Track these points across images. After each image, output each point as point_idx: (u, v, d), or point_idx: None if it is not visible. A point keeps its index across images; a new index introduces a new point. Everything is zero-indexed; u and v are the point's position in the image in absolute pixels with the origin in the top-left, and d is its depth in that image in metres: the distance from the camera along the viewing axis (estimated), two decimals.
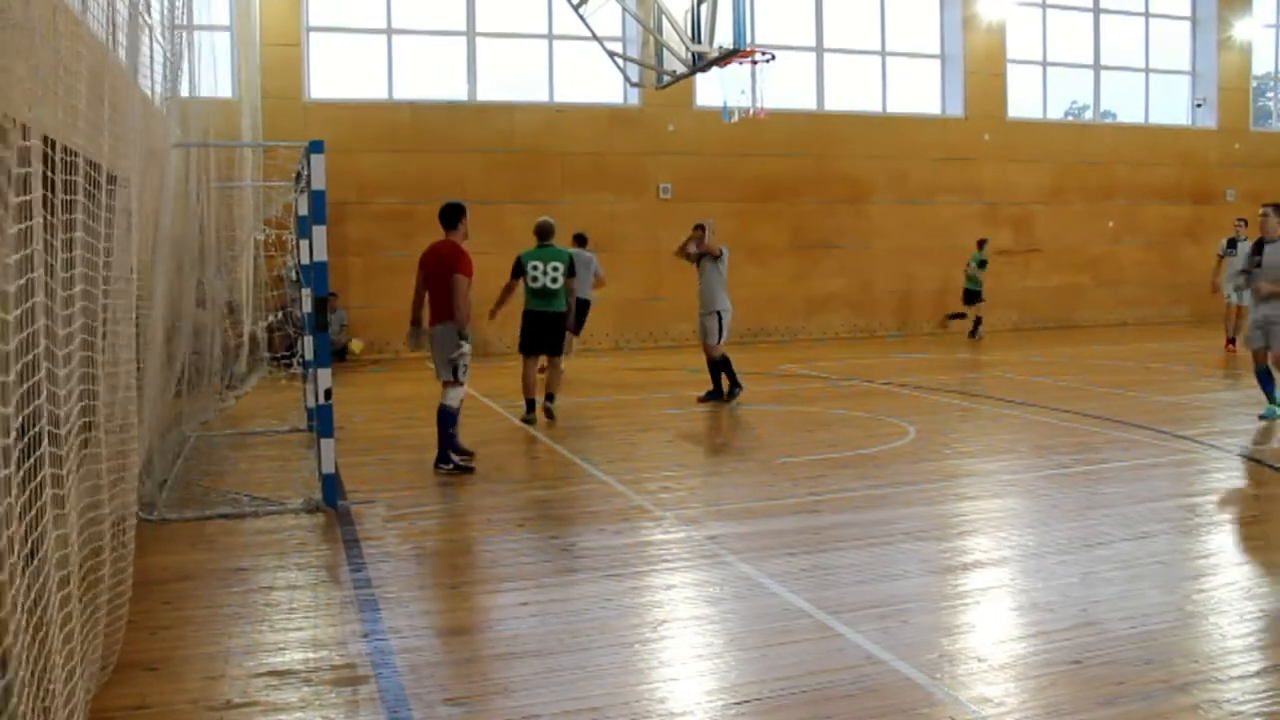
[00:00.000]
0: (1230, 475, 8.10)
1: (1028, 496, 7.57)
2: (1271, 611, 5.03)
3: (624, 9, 16.93)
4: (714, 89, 16.40)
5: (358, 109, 17.90)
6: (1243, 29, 24.08)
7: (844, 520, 6.78)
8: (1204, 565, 5.94)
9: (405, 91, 18.43)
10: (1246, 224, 15.01)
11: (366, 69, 18.30)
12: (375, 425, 10.66)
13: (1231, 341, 15.63)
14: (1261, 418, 10.05)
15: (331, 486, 7.27)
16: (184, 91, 8.94)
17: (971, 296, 20.04)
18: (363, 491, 7.73)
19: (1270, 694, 4.09)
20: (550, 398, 10.83)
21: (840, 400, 12.28)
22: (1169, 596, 5.30)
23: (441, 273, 8.34)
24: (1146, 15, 23.86)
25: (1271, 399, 10.16)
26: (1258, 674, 4.29)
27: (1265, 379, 10.22)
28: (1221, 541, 6.42)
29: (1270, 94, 26.41)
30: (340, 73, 18.14)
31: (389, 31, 18.39)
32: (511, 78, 19.12)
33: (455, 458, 8.44)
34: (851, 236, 20.45)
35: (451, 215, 8.50)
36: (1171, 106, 24.46)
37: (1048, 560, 5.93)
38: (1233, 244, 15.87)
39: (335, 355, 15.11)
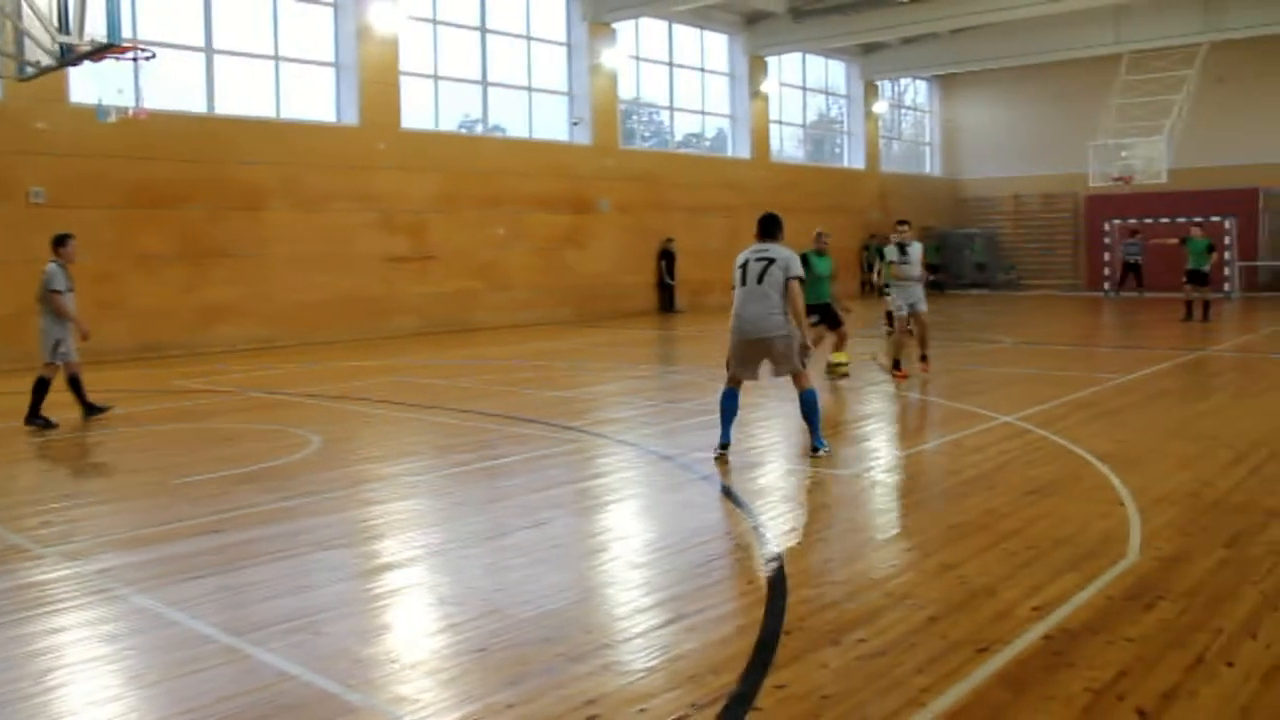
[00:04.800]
0: (613, 459, 8.87)
1: (432, 496, 7.78)
2: (651, 580, 5.59)
3: None
4: (92, 84, 15.16)
5: None
6: (609, 58, 26.57)
7: (250, 537, 6.55)
8: (595, 544, 6.47)
9: None
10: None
11: None
12: None
13: None
14: None
15: None
16: None
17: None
18: None
19: (651, 650, 4.55)
20: None
21: (242, 413, 11.87)
22: (565, 576, 5.72)
23: None
24: (528, 38, 25.54)
25: None
26: (641, 634, 4.75)
27: None
28: (609, 520, 7.02)
29: (635, 116, 29.35)
30: None
31: None
32: None
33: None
34: (247, 244, 19.78)
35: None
36: (553, 123, 26.38)
37: (453, 556, 6.15)
38: None
39: None
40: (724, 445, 8.61)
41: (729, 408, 8.62)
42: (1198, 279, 22.64)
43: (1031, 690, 4.10)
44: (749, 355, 8.55)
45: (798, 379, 8.55)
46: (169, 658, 4.61)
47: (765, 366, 8.64)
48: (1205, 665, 4.31)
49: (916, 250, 14.40)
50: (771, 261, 8.40)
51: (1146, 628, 4.72)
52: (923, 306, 14.16)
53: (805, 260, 13.69)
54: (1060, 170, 35.71)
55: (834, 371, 13.38)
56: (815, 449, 8.60)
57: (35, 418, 10.91)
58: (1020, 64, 33.55)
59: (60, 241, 11.26)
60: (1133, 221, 31.76)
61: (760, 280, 8.37)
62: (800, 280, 8.44)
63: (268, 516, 7.10)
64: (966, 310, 26.59)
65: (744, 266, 8.50)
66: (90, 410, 11.28)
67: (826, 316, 13.54)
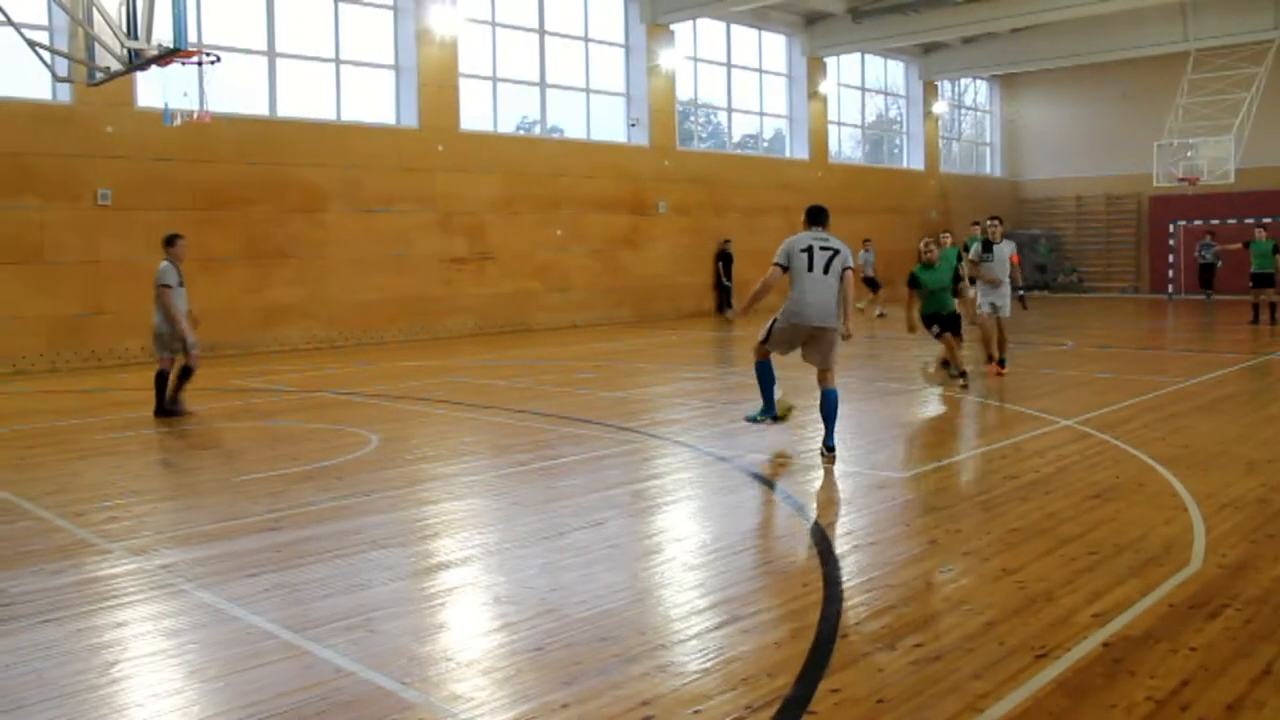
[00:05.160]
0: (670, 460, 8.87)
1: (489, 496, 7.82)
2: (707, 581, 5.58)
3: None
4: (158, 89, 15.40)
5: None
6: (667, 59, 26.57)
7: (307, 535, 6.63)
8: (650, 545, 6.46)
9: None
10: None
11: None
12: None
13: None
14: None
15: None
16: None
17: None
18: None
19: (706, 652, 4.54)
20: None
21: (300, 413, 12.01)
22: (619, 577, 5.72)
23: None
24: (586, 40, 25.61)
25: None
26: (695, 637, 4.74)
27: None
28: (665, 522, 7.02)
29: (692, 117, 29.31)
30: None
31: None
32: None
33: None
34: (307, 246, 20.03)
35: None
36: (611, 125, 26.44)
37: (510, 555, 6.17)
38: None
39: None
40: (774, 417, 9.13)
41: (767, 377, 9.06)
42: (1263, 281, 22.26)
43: (1091, 698, 4.04)
44: (799, 338, 8.78)
45: (827, 375, 8.75)
46: (230, 653, 4.67)
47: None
48: (1272, 676, 4.22)
49: (1004, 250, 13.93)
50: (836, 253, 8.66)
51: (1211, 636, 4.63)
52: (1006, 312, 13.93)
53: (915, 279, 12.90)
54: (1124, 171, 35.19)
55: (786, 416, 9.70)
56: (830, 448, 8.61)
57: (171, 405, 11.61)
58: (1083, 63, 33.08)
59: (170, 241, 11.87)
60: (1199, 223, 31.27)
61: (826, 270, 8.58)
62: (852, 269, 8.75)
63: (326, 515, 7.18)
64: (1027, 312, 26.25)
65: (808, 252, 8.62)
66: (162, 409, 11.55)
67: (949, 325, 13.04)
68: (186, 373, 11.65)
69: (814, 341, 8.71)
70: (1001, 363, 14.00)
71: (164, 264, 11.68)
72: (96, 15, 12.12)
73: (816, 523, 6.75)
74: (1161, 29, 29.69)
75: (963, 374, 12.83)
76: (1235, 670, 4.27)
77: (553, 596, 5.34)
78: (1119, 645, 4.54)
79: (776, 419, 9.12)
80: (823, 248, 8.63)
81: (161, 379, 11.62)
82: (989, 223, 14.18)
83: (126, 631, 5.01)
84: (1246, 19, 28.33)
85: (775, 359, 9.10)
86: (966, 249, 15.02)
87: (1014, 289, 14.37)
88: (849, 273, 8.64)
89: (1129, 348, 18.24)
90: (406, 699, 4.13)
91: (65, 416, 12.04)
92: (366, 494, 7.78)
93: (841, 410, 8.78)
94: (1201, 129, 30.08)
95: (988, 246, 13.92)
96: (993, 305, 13.88)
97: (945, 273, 13.05)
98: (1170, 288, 32.47)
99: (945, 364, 13.43)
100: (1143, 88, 34.15)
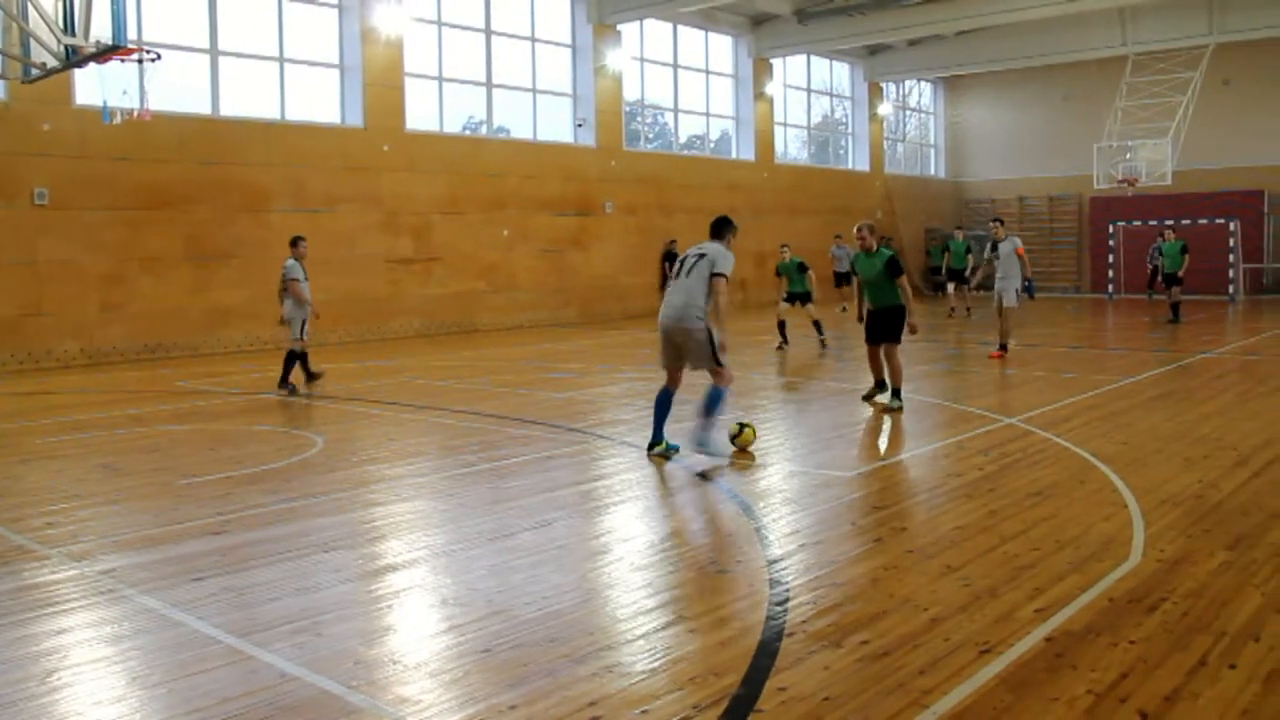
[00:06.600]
0: (617, 461, 8.88)
1: (437, 497, 7.79)
2: (654, 581, 5.60)
3: None
4: (97, 86, 15.16)
5: None
6: (614, 59, 26.57)
7: (254, 538, 6.57)
8: (597, 545, 6.47)
9: None
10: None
11: None
12: None
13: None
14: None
15: None
16: None
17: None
18: None
19: (653, 652, 4.56)
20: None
21: (247, 415, 11.89)
22: (568, 577, 5.72)
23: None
24: (533, 40, 25.55)
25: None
26: (642, 637, 4.75)
27: None
28: (612, 522, 7.02)
29: (639, 118, 29.34)
30: None
31: None
32: None
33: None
34: (251, 246, 19.77)
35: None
36: (558, 125, 26.39)
37: (458, 556, 6.16)
38: None
39: None
40: (650, 445, 8.98)
41: (659, 407, 8.97)
42: (1172, 281, 23.37)
43: (1034, 692, 4.10)
44: (667, 345, 8.85)
45: (714, 375, 8.69)
46: (173, 659, 4.62)
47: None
48: (1207, 667, 4.31)
49: (1007, 247, 15.88)
50: (702, 256, 8.72)
51: (1149, 630, 4.72)
52: (1007, 303, 15.85)
53: (855, 266, 11.69)
54: (1066, 172, 35.70)
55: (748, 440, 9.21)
56: (700, 444, 8.64)
57: (284, 384, 13.51)
58: (1026, 65, 33.54)
59: (294, 242, 13.96)
60: (1138, 224, 31.82)
61: (689, 274, 8.67)
62: (724, 277, 8.55)
63: (272, 518, 7.11)
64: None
65: (684, 261, 8.85)
66: (311, 377, 13.97)
67: (883, 328, 11.36)
68: (292, 356, 13.57)
69: (676, 346, 8.77)
70: (1003, 348, 15.91)
71: (290, 261, 13.70)
72: (32, 10, 11.89)
73: (762, 522, 6.79)
74: (1101, 33, 30.20)
75: (879, 384, 11.62)
76: (1172, 662, 4.36)
77: (500, 598, 5.34)
78: (1061, 639, 4.62)
79: (652, 448, 8.94)
80: (694, 254, 8.79)
81: (291, 356, 13.59)
82: (991, 224, 16.84)
83: (67, 639, 4.93)
84: (1182, 25, 28.90)
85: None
86: (946, 249, 17.01)
87: (1023, 281, 16.24)
88: (719, 279, 8.49)
89: (1068, 347, 18.50)
90: (353, 703, 4.11)
91: (3, 420, 11.82)
92: (314, 497, 7.72)
93: (787, 410, 8.85)
94: (1140, 131, 30.62)
95: (994, 245, 16.16)
96: (999, 296, 15.96)
97: (876, 265, 11.38)
98: (1110, 288, 32.96)
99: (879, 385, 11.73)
100: (1083, 91, 34.68)
